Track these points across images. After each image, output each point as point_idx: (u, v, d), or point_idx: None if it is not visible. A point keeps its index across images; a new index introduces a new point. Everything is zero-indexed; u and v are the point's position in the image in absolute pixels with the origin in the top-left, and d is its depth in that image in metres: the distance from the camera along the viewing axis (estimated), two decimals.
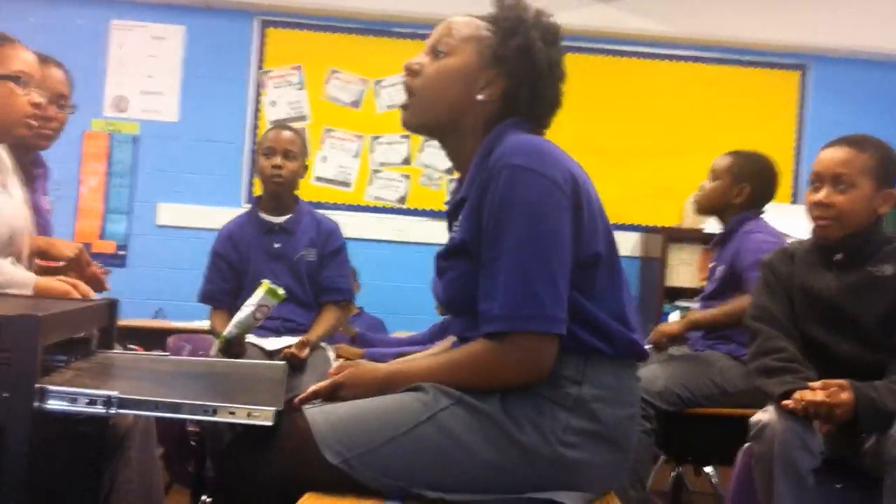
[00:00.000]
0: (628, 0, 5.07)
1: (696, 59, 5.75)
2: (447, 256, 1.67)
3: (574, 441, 1.52)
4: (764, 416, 2.14)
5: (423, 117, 1.71)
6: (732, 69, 5.77)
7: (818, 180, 2.36)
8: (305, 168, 3.35)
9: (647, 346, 1.78)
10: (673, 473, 3.20)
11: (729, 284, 3.20)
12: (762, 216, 3.30)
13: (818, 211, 2.34)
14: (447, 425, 1.51)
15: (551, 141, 1.64)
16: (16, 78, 2.18)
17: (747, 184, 3.26)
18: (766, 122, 5.75)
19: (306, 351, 2.96)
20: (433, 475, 1.50)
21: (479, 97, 1.66)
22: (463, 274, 1.61)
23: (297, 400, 1.64)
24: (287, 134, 3.29)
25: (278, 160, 3.21)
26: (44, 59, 2.57)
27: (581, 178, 1.60)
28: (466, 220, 1.60)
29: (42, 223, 2.65)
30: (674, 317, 3.63)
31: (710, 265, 3.41)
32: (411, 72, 1.70)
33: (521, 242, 1.50)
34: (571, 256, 1.53)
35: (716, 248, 3.36)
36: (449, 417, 1.52)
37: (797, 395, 2.08)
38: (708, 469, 3.69)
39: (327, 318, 3.25)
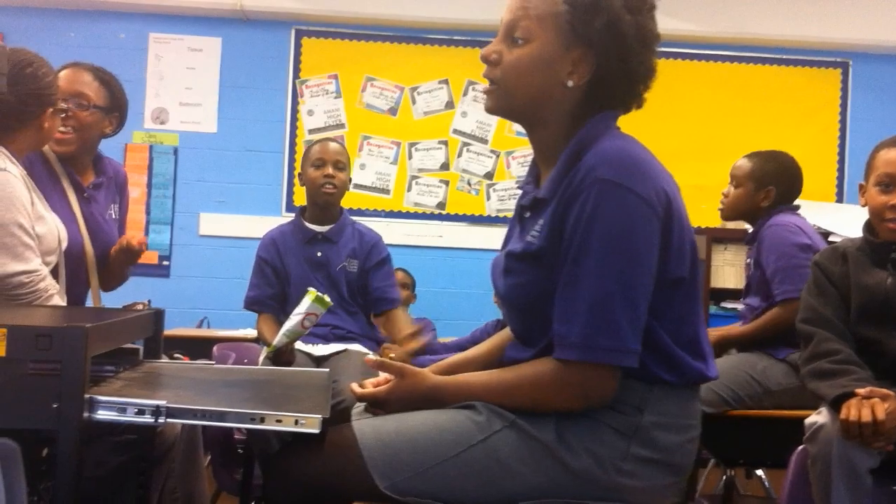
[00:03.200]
0: (666, 1, 5.01)
1: (735, 59, 5.70)
2: (518, 258, 1.57)
3: (632, 470, 1.47)
4: (819, 417, 2.10)
5: (506, 106, 1.60)
6: (773, 68, 5.71)
7: (891, 182, 2.31)
8: (350, 179, 3.38)
9: None
10: (724, 477, 3.15)
11: (758, 281, 3.16)
12: (792, 211, 3.24)
13: (893, 213, 2.29)
14: (498, 449, 1.47)
15: (644, 146, 1.54)
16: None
17: (772, 186, 3.22)
18: (808, 121, 5.68)
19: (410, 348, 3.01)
20: (481, 496, 1.47)
21: (569, 84, 1.53)
22: (531, 281, 1.54)
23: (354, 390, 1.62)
24: (335, 146, 3.34)
25: (330, 170, 3.24)
26: (74, 63, 2.65)
27: (672, 192, 1.51)
28: (547, 229, 1.50)
29: (94, 230, 2.65)
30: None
31: (746, 261, 3.37)
32: (489, 62, 1.57)
33: (606, 266, 1.42)
34: (654, 279, 1.46)
35: (750, 244, 3.31)
36: (501, 441, 1.48)
37: (843, 414, 2.01)
38: (759, 472, 3.63)
39: (402, 318, 3.30)
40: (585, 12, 1.50)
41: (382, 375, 1.67)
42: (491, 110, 1.61)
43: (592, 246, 1.43)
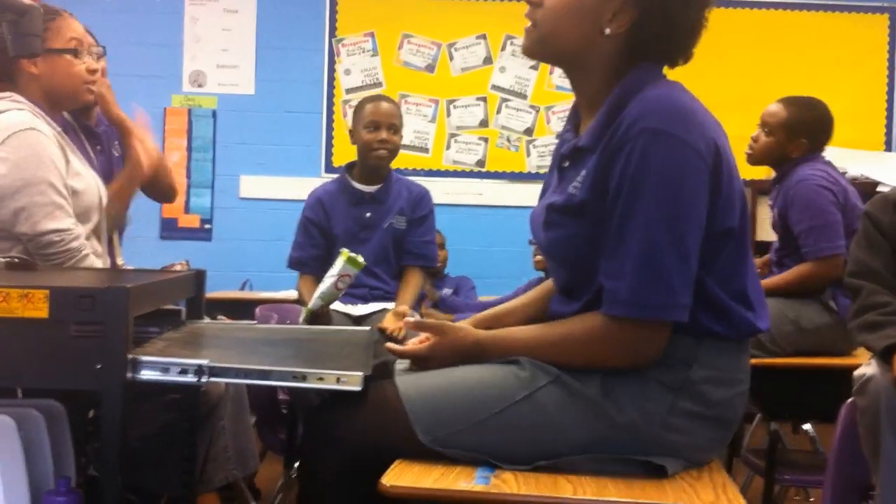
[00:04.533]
0: None
1: (780, 6, 5.57)
2: (560, 211, 1.53)
3: (679, 424, 1.45)
4: (868, 369, 2.06)
5: (544, 49, 1.57)
6: (818, 14, 5.57)
7: None
8: (402, 137, 3.34)
9: None
10: (772, 428, 3.13)
11: (782, 230, 3.16)
12: (818, 160, 3.21)
13: None
14: (543, 404, 1.46)
15: (692, 94, 1.50)
16: (73, 50, 2.28)
17: (804, 138, 3.17)
18: (854, 69, 5.55)
19: (401, 323, 2.95)
20: (524, 452, 1.46)
21: (607, 31, 1.49)
22: (573, 235, 1.51)
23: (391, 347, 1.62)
24: (389, 106, 3.26)
25: (384, 134, 3.19)
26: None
27: (722, 142, 1.46)
28: (590, 180, 1.46)
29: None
30: None
31: (769, 205, 3.33)
32: (532, 3, 1.53)
33: (655, 219, 1.38)
34: (703, 231, 1.42)
35: (773, 189, 3.28)
36: (545, 396, 1.46)
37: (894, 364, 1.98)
38: (807, 426, 3.59)
39: (412, 283, 3.25)
40: None
41: (423, 334, 1.65)
42: (526, 50, 1.58)
43: (640, 199, 1.39)
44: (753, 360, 2.90)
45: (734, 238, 1.48)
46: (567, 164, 1.57)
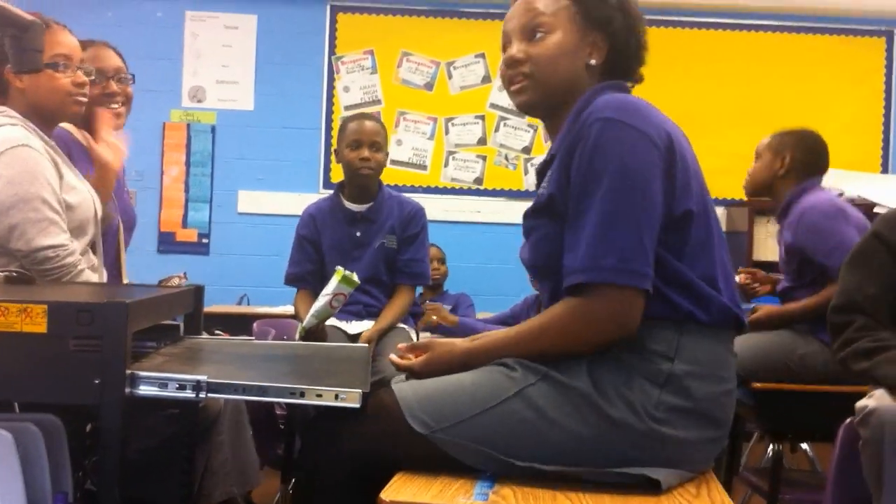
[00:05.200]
0: None
1: (778, 29, 5.60)
2: (534, 215, 1.63)
3: (666, 418, 1.47)
4: (870, 401, 2.05)
5: (541, 95, 1.66)
6: (815, 37, 5.60)
7: None
8: (387, 155, 3.33)
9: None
10: (770, 450, 3.13)
11: (796, 260, 3.15)
12: (818, 187, 3.23)
13: None
14: (535, 401, 1.48)
15: (646, 101, 1.60)
16: (54, 64, 2.25)
17: (787, 153, 3.21)
18: (851, 91, 5.58)
19: (372, 344, 2.96)
20: (523, 447, 1.48)
21: (592, 62, 1.65)
22: (549, 234, 1.58)
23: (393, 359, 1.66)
24: (371, 124, 3.25)
25: (366, 152, 3.18)
26: (91, 42, 2.60)
27: (676, 134, 1.56)
28: (555, 175, 1.56)
29: (124, 208, 2.68)
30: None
31: (777, 238, 3.36)
32: (516, 62, 1.66)
33: (609, 195, 1.46)
34: (662, 214, 1.49)
35: (779, 220, 3.29)
36: (536, 393, 1.49)
37: None
38: (804, 446, 3.59)
39: (399, 302, 3.23)
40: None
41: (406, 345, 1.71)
42: (525, 104, 1.68)
43: (595, 180, 1.48)
44: (758, 385, 2.95)
45: (695, 221, 1.53)
46: (541, 177, 1.67)
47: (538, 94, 1.66)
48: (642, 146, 1.49)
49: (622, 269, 1.44)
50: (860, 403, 2.08)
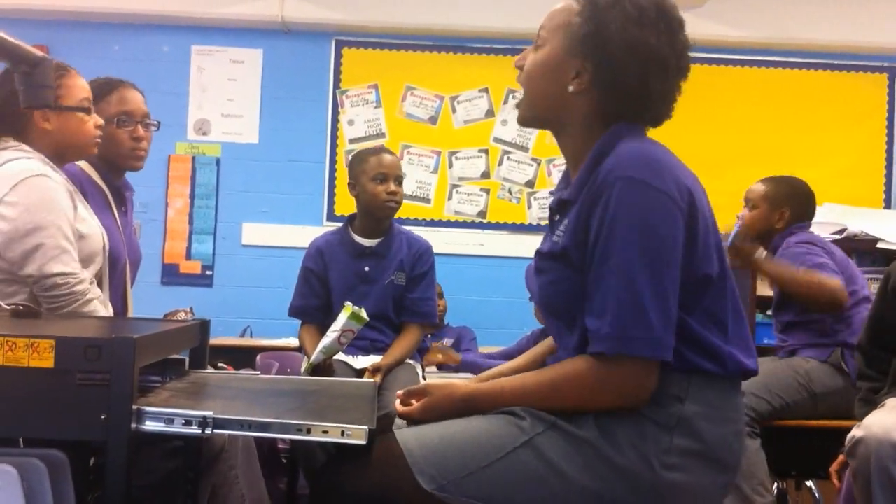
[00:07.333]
0: (709, 7, 4.96)
1: (780, 65, 5.63)
2: (548, 258, 1.60)
3: (676, 463, 1.45)
4: (858, 431, 2.07)
5: (527, 112, 1.68)
6: (817, 73, 5.64)
7: None
8: None
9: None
10: (777, 486, 3.11)
11: (782, 299, 3.27)
12: (805, 231, 3.38)
13: None
14: (543, 451, 1.47)
15: (666, 148, 1.56)
16: (86, 109, 2.37)
17: (787, 208, 3.36)
18: (854, 127, 5.60)
19: (378, 377, 2.93)
20: (529, 498, 1.46)
21: (571, 88, 1.58)
22: (561, 279, 1.56)
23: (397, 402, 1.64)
24: (393, 158, 3.23)
25: (392, 186, 3.15)
26: (120, 83, 2.68)
27: (697, 191, 1.52)
28: (572, 226, 1.53)
29: (132, 246, 2.71)
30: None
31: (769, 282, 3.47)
32: (518, 67, 1.67)
33: (633, 259, 1.43)
34: (682, 275, 1.47)
35: None
36: (545, 442, 1.47)
37: None
38: (809, 483, 3.57)
39: (407, 340, 3.19)
40: (588, 20, 1.56)
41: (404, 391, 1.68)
42: (519, 116, 1.70)
43: (617, 242, 1.45)
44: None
45: (714, 285, 1.51)
46: (557, 217, 1.64)
47: (526, 107, 1.67)
48: (664, 207, 1.45)
49: (650, 340, 1.42)
50: (850, 435, 2.11)
